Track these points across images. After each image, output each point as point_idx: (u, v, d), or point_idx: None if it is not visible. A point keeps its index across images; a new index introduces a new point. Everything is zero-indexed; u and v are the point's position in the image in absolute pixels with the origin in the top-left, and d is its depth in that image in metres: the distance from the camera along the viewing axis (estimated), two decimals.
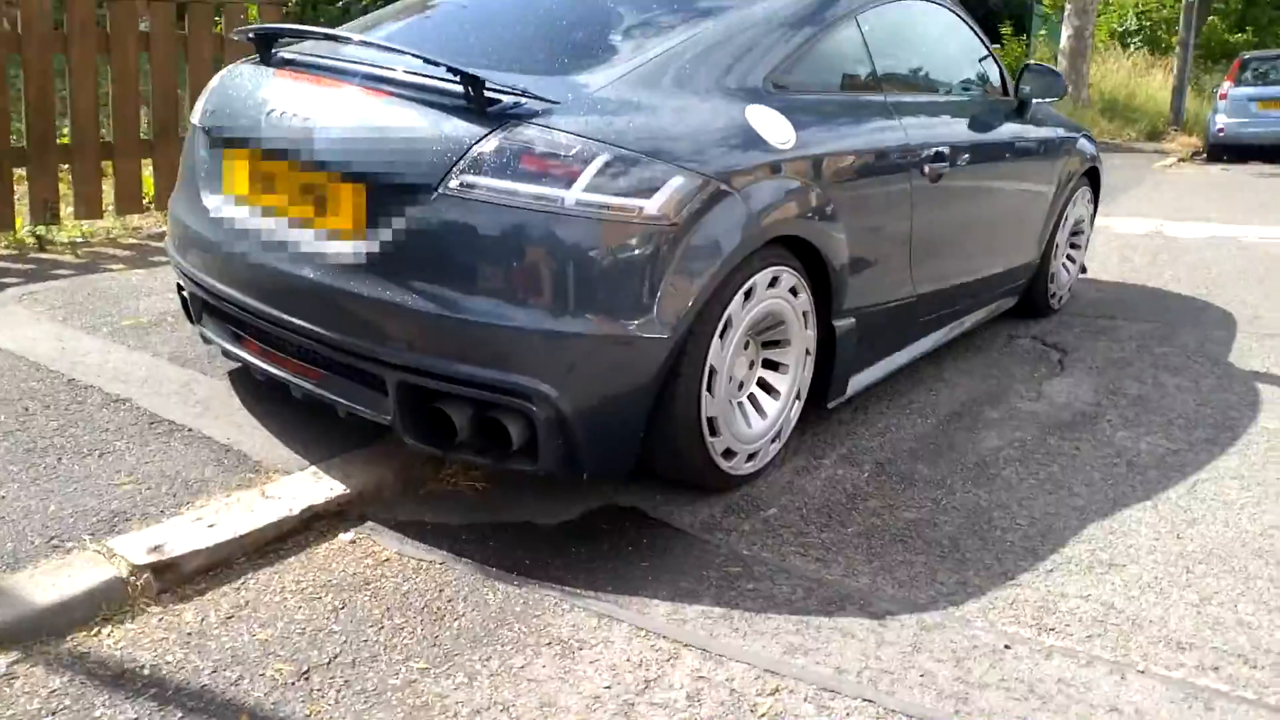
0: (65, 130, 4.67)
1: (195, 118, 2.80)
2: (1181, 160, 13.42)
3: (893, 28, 3.35)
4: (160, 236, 4.72)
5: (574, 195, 2.17)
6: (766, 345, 2.72)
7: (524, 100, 2.26)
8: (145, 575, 2.05)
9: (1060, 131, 4.22)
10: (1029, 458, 2.94)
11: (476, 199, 2.17)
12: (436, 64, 2.28)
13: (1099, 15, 17.88)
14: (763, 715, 1.79)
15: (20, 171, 4.48)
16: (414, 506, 2.49)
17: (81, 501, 2.27)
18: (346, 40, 2.68)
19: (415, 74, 2.38)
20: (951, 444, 3.03)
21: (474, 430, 2.30)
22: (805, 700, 1.83)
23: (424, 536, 2.36)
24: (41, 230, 4.49)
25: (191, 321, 2.90)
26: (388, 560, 2.25)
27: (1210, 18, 21.98)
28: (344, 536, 2.35)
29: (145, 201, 4.97)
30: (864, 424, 3.17)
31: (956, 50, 3.81)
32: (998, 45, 23.68)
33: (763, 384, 2.73)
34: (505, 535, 2.39)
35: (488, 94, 2.24)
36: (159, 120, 4.90)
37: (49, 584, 1.97)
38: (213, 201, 2.62)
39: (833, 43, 2.98)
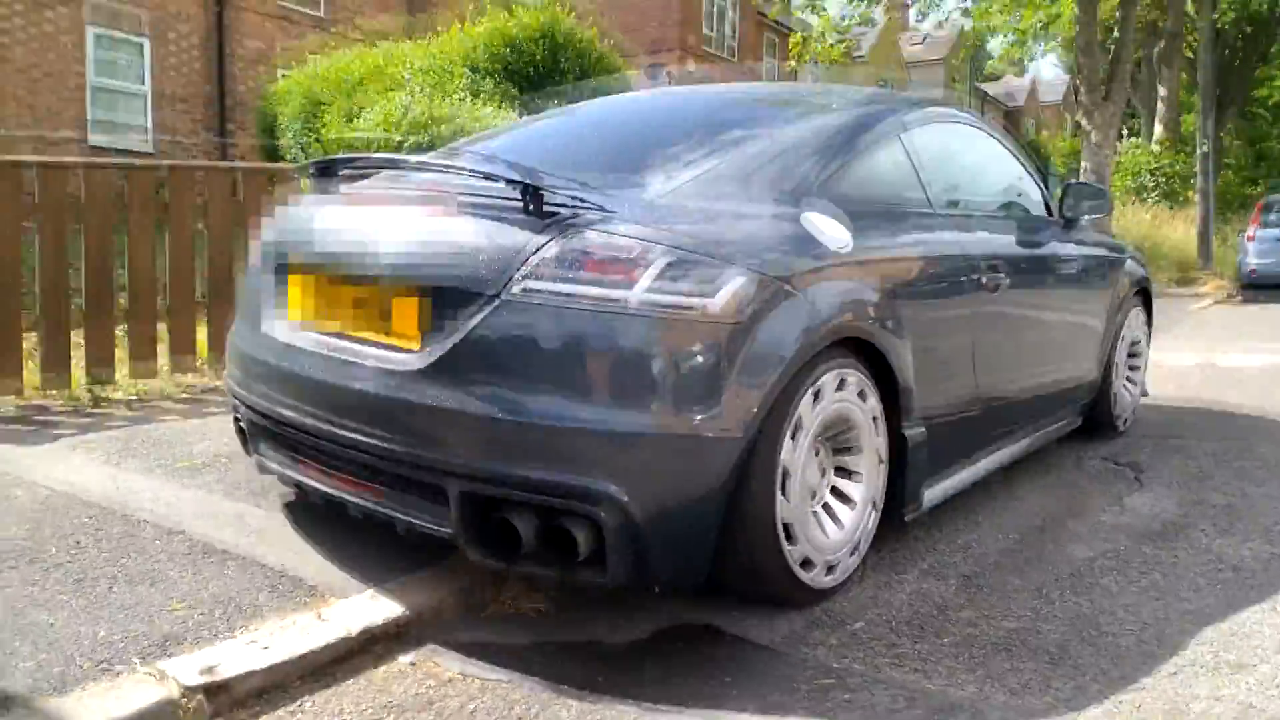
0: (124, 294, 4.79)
1: (252, 253, 2.84)
2: (1217, 302, 13.40)
3: (939, 146, 3.40)
4: (213, 391, 4.75)
5: (638, 295, 2.14)
6: (838, 452, 2.61)
7: (582, 209, 2.27)
8: (197, 698, 1.92)
9: (1108, 250, 4.21)
10: (1125, 567, 2.76)
11: (539, 303, 2.15)
12: (494, 177, 2.31)
13: (1113, 174, 18.29)
14: None
15: (78, 336, 4.56)
16: (475, 628, 2.35)
17: (132, 626, 2.16)
18: (403, 164, 2.74)
19: (471, 191, 2.41)
20: (1040, 556, 2.86)
21: (540, 540, 2.19)
22: None
23: (487, 656, 2.21)
24: (97, 388, 4.53)
25: (248, 452, 2.85)
26: (451, 680, 2.10)
27: (1224, 170, 22.48)
28: (404, 659, 2.21)
29: (199, 362, 5.03)
30: (943, 539, 3.00)
31: (999, 169, 3.85)
32: None
33: (837, 492, 2.61)
34: (573, 654, 2.24)
35: (546, 204, 2.25)
36: (214, 283, 5.01)
37: (97, 706, 1.85)
38: (275, 326, 2.62)
39: (881, 156, 3.01)
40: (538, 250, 2.20)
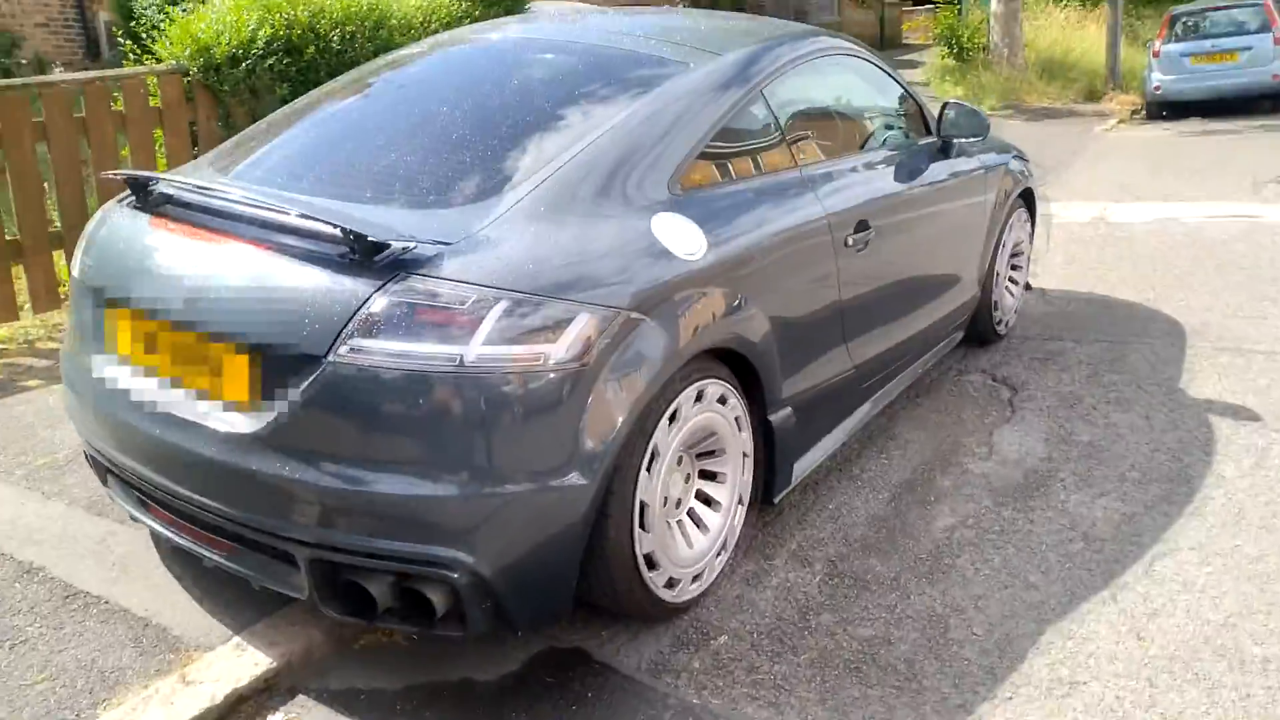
0: None
1: (75, 270, 2.63)
2: (1121, 121, 13.44)
3: (805, 93, 3.25)
4: None
5: (474, 351, 2.04)
6: (702, 457, 2.62)
7: (413, 246, 2.13)
8: None
9: (990, 158, 4.12)
10: (983, 539, 2.87)
11: (369, 364, 2.03)
12: (317, 220, 2.14)
13: None
14: None
15: None
16: (346, 670, 2.37)
17: None
18: (214, 193, 2.46)
19: (302, 219, 2.23)
20: (904, 525, 2.95)
21: (396, 598, 2.18)
22: None
23: (357, 708, 2.24)
24: None
25: (102, 482, 2.74)
26: None
27: None
28: (272, 719, 2.23)
29: (63, 294, 4.77)
30: (815, 506, 3.08)
31: (872, 100, 3.71)
32: (930, 11, 23.54)
33: (702, 496, 2.64)
34: (443, 697, 2.28)
35: (372, 243, 2.10)
36: (66, 213, 4.69)
37: None
38: (103, 364, 2.46)
39: (740, 126, 2.85)
40: (362, 305, 2.06)
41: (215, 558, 2.34)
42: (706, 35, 3.23)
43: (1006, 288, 4.53)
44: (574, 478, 2.15)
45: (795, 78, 3.15)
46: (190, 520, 2.38)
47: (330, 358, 2.06)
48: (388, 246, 2.11)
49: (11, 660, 2.32)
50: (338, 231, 2.10)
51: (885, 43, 24.13)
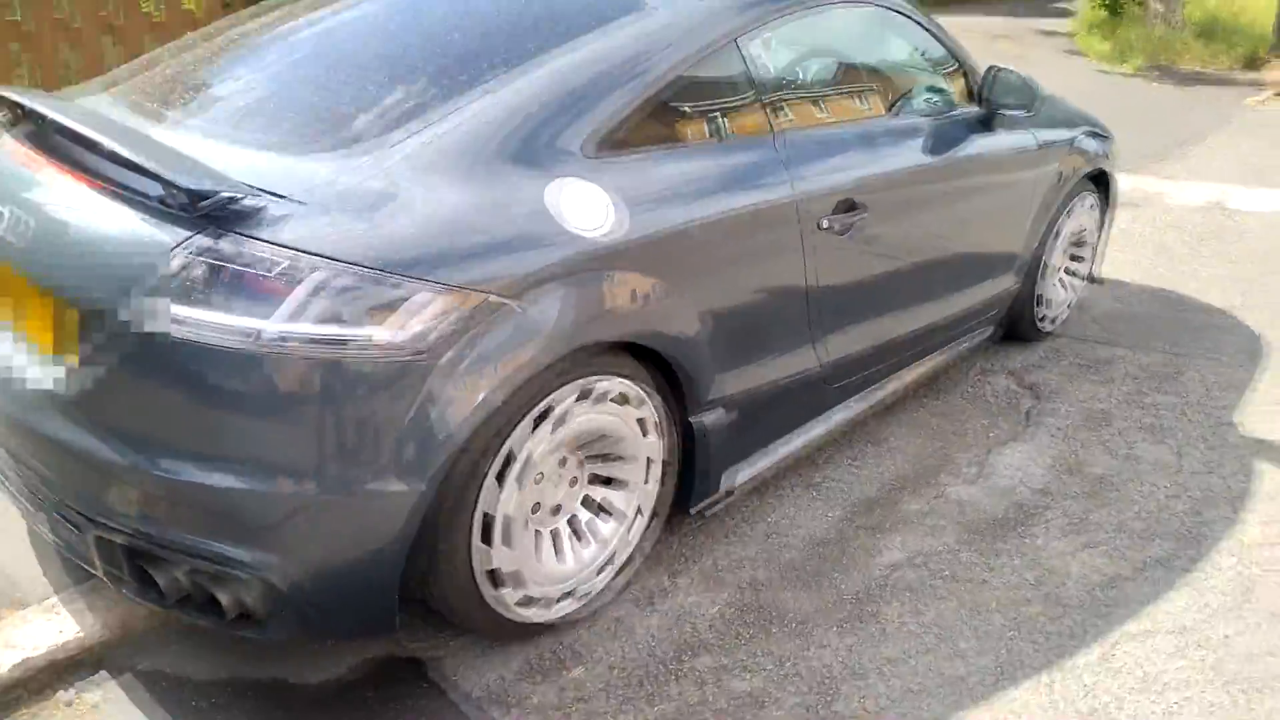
0: None
1: None
2: (1278, 95, 12.07)
3: (797, 46, 2.78)
4: None
5: (275, 327, 1.74)
6: (599, 459, 2.28)
7: (241, 197, 1.82)
8: None
9: (1049, 134, 3.54)
10: (925, 584, 2.45)
11: (162, 331, 1.75)
12: (135, 160, 1.85)
13: None
14: None
15: None
16: (160, 652, 2.15)
17: None
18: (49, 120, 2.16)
19: (127, 158, 1.94)
20: (844, 555, 2.56)
21: (191, 590, 1.94)
22: None
23: (154, 694, 2.03)
24: None
25: None
26: None
27: None
28: (63, 695, 2.03)
29: None
30: (753, 518, 2.71)
31: (898, 61, 3.19)
32: None
33: (594, 503, 2.30)
34: (247, 699, 2.04)
35: (190, 191, 1.80)
36: None
37: None
38: None
39: (701, 81, 2.42)
40: (161, 261, 1.78)
41: (24, 507, 2.14)
42: None
43: (1061, 280, 3.97)
44: (394, 483, 1.84)
45: (789, 28, 2.69)
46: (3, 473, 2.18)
47: (123, 317, 1.79)
48: (208, 196, 1.81)
49: None
50: (159, 176, 1.82)
51: None
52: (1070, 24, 15.72)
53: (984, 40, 14.56)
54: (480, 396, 1.89)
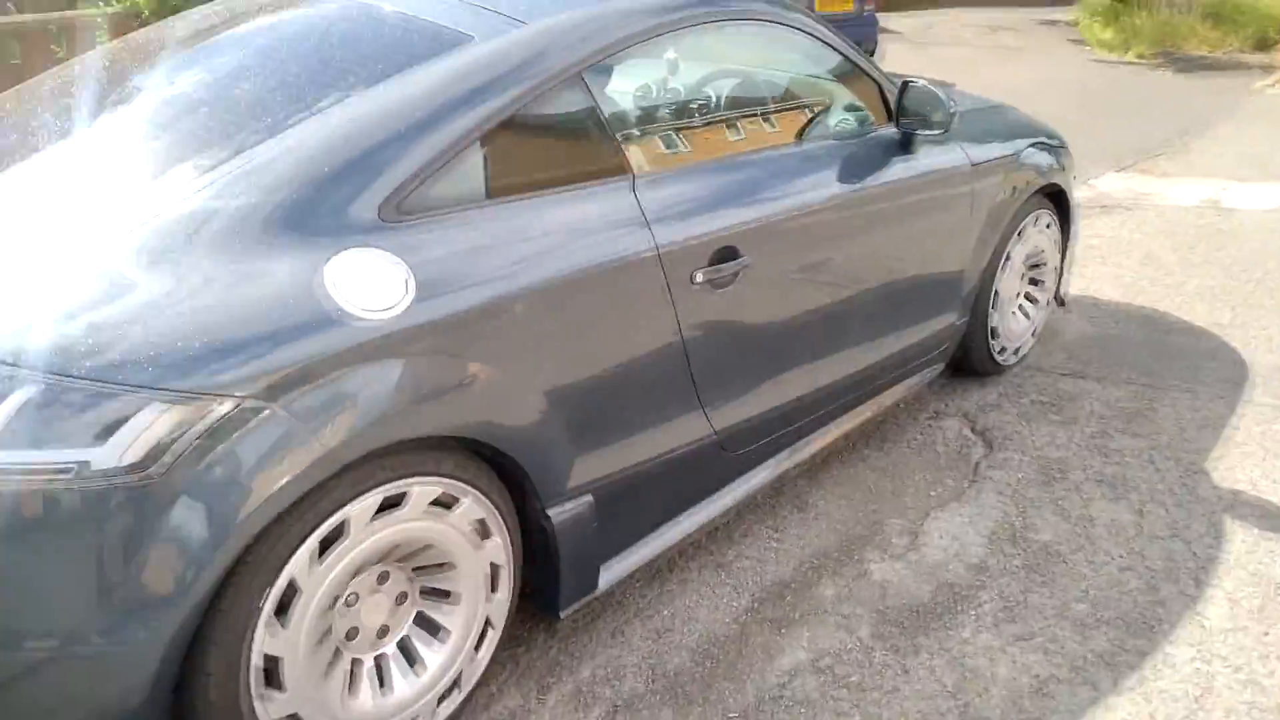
0: None
1: None
2: None
3: (661, 74, 2.48)
4: None
5: None
6: (424, 571, 1.97)
7: None
8: None
9: (983, 150, 3.17)
10: (825, 697, 2.12)
11: None
12: None
13: None
14: None
15: None
16: None
17: None
18: None
19: None
20: (733, 668, 2.22)
21: None
22: None
23: None
24: None
25: None
26: None
27: None
28: None
29: None
30: (645, 612, 2.39)
31: (792, 83, 2.87)
32: None
33: (425, 621, 1.99)
34: None
35: None
36: None
37: None
38: None
39: (537, 121, 2.11)
40: None
41: None
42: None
43: (1017, 312, 3.62)
44: (123, 639, 1.55)
45: (649, 55, 2.38)
46: None
47: None
48: None
49: None
50: None
51: None
52: (1072, 12, 15.28)
53: (985, 33, 14.17)
54: (238, 521, 1.59)
